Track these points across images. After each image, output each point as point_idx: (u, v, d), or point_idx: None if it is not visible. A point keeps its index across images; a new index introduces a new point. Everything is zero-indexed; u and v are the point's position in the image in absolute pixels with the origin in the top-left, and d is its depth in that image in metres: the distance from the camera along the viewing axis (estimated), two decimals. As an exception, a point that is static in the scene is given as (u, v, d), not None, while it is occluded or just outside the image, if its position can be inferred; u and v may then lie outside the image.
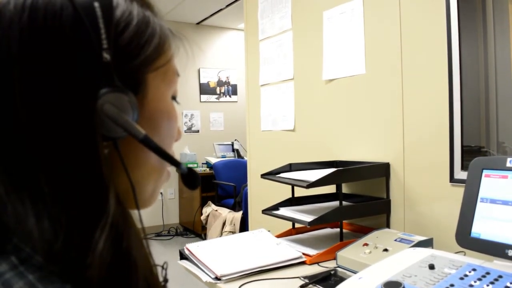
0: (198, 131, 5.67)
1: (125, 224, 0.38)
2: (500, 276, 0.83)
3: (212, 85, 5.80)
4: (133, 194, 0.40)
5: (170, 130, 0.45)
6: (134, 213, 0.41)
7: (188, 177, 0.44)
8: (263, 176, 1.64)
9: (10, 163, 0.36)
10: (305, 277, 1.19)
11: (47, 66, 0.35)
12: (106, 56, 0.37)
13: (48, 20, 0.36)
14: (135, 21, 0.40)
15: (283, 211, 1.56)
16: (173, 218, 5.47)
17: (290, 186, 1.59)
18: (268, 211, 1.58)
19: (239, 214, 3.88)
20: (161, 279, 0.44)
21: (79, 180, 0.36)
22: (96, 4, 0.37)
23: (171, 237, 5.14)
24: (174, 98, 0.47)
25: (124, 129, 0.38)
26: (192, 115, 5.64)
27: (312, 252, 1.38)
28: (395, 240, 1.26)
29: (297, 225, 1.62)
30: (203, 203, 4.67)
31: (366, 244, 1.28)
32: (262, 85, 2.31)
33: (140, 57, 0.40)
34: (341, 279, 1.12)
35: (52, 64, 0.35)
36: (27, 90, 0.35)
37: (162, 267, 0.44)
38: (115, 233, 0.36)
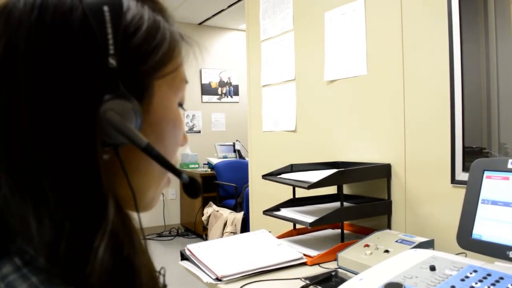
0: (199, 132, 5.68)
1: (126, 232, 0.38)
2: (502, 278, 0.83)
3: (213, 85, 5.81)
4: (134, 200, 0.40)
5: (175, 137, 0.45)
6: (134, 217, 0.40)
7: (189, 186, 0.43)
8: (264, 176, 1.64)
9: (14, 164, 0.36)
10: (306, 278, 1.19)
11: (52, 68, 0.35)
12: (112, 62, 0.36)
13: (56, 21, 0.35)
14: (145, 26, 0.39)
15: (284, 212, 1.56)
16: (175, 218, 5.47)
17: (291, 187, 1.59)
18: (269, 212, 1.58)
19: (240, 215, 3.87)
20: None
21: (78, 186, 0.36)
22: (106, 8, 0.36)
23: (172, 237, 5.15)
24: (180, 105, 0.46)
25: (126, 137, 0.37)
26: (193, 115, 5.65)
27: (313, 253, 1.38)
28: (396, 241, 1.26)
29: (298, 226, 1.62)
30: (204, 204, 4.67)
31: (367, 245, 1.28)
32: (263, 86, 2.31)
33: (148, 63, 0.39)
34: (342, 280, 1.12)
35: (57, 66, 0.35)
36: (32, 91, 0.35)
37: (159, 272, 0.44)
38: (115, 240, 0.36)
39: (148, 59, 0.40)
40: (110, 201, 0.36)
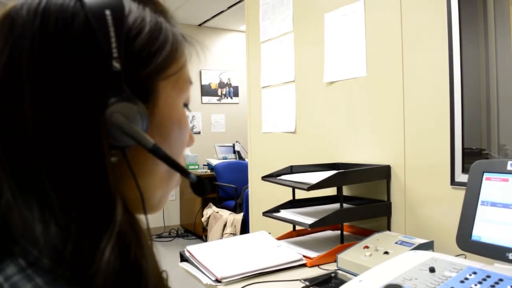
0: (199, 133, 5.68)
1: (133, 233, 0.38)
2: (501, 280, 0.83)
3: (213, 86, 5.81)
4: (141, 202, 0.40)
5: (181, 138, 0.45)
6: (141, 218, 0.41)
7: (197, 185, 0.44)
8: (264, 178, 1.64)
9: (18, 168, 0.36)
10: (305, 280, 1.19)
11: (56, 73, 0.35)
12: (116, 65, 0.36)
13: (59, 27, 0.36)
14: (147, 28, 0.40)
15: (284, 213, 1.55)
16: (174, 219, 5.47)
17: (291, 188, 1.59)
18: (269, 213, 1.58)
19: (240, 216, 3.87)
20: None
21: (86, 189, 0.36)
22: (108, 12, 0.37)
23: (172, 238, 5.15)
24: (186, 105, 0.46)
25: (133, 138, 0.37)
26: (193, 116, 5.65)
27: (312, 254, 1.38)
28: (396, 242, 1.26)
29: (297, 228, 1.62)
30: (204, 205, 4.67)
31: (366, 247, 1.28)
32: (263, 87, 2.31)
33: (151, 65, 0.40)
34: (342, 282, 1.12)
35: (61, 71, 0.35)
36: (36, 96, 0.35)
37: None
38: (122, 242, 0.36)
39: (151, 61, 0.40)
40: (118, 202, 0.36)
